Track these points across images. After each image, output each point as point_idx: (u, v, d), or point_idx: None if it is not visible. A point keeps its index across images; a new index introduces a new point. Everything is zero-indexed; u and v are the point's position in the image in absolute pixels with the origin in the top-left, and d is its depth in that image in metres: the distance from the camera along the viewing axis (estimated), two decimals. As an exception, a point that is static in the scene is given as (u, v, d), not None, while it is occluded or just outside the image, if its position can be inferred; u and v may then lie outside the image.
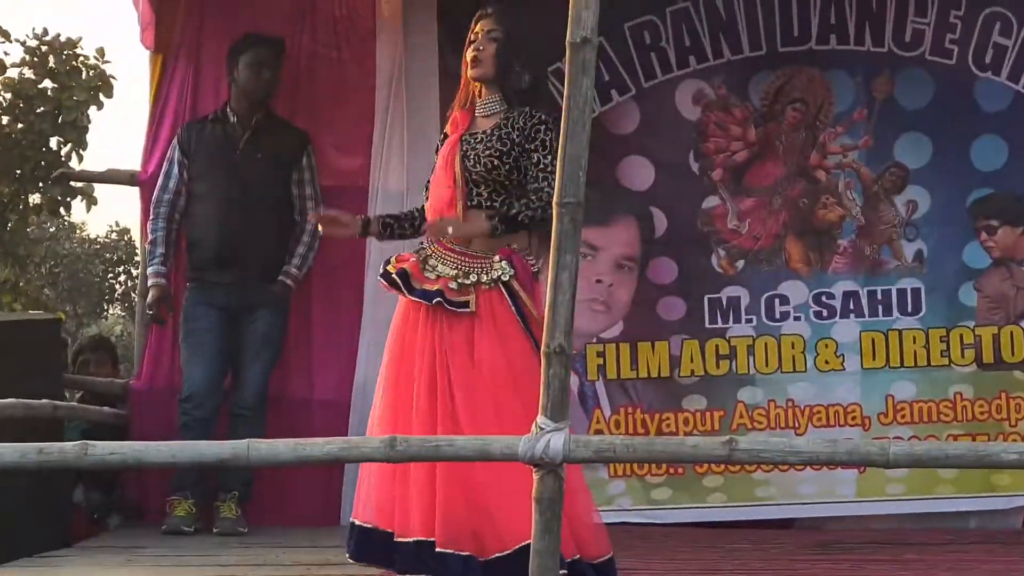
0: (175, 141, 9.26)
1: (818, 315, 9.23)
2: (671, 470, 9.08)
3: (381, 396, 6.78)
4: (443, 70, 9.28)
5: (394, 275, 6.66)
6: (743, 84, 9.36)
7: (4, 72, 18.41)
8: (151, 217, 9.20)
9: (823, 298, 9.24)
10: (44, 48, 18.61)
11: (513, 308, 6.61)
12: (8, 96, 18.32)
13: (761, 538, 8.56)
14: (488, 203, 6.68)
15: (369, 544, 6.66)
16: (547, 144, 6.70)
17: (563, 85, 5.67)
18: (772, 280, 9.27)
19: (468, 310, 6.56)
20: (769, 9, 9.31)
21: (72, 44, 18.72)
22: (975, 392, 9.07)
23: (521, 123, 6.65)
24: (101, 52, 18.43)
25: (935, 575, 7.19)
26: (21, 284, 19.53)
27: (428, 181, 6.95)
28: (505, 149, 6.66)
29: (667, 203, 9.33)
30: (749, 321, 9.26)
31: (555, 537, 5.71)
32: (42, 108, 18.23)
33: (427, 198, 6.90)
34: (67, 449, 6.24)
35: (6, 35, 18.45)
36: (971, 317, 9.15)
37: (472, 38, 6.95)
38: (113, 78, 18.17)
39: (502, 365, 6.56)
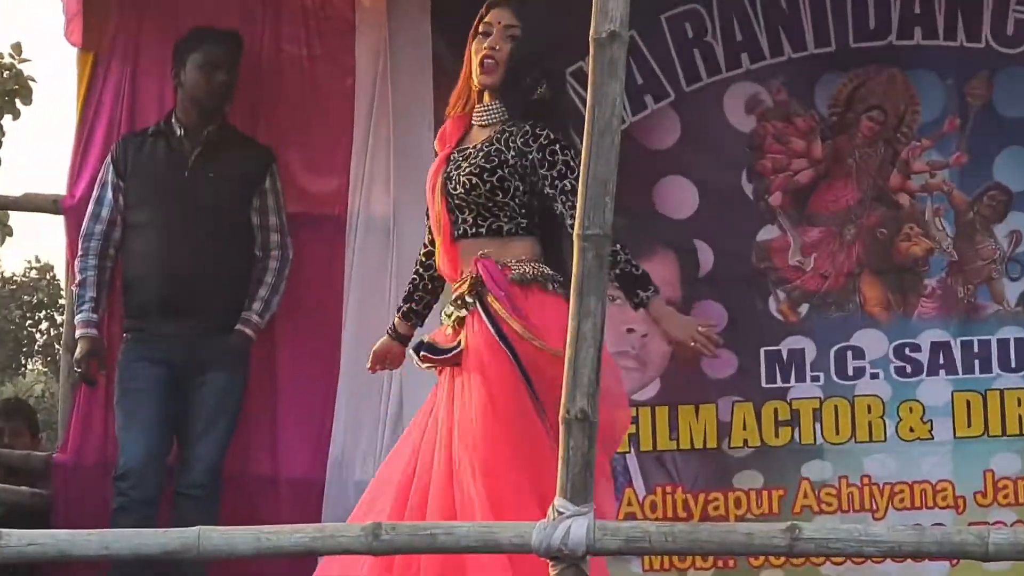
0: (108, 159, 9.19)
1: (900, 371, 9.14)
2: (719, 563, 9.05)
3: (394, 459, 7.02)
4: (439, 68, 9.26)
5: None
6: (808, 88, 9.31)
7: None
8: (79, 253, 9.12)
9: (907, 351, 9.16)
10: None
11: (491, 328, 6.77)
12: None
13: None
14: (473, 230, 6.86)
15: None
16: (571, 165, 6.75)
17: (585, 90, 5.71)
18: (844, 329, 9.21)
19: (457, 350, 6.80)
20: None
21: None
22: None
23: (520, 142, 6.76)
24: (17, 49, 18.53)
25: None
26: None
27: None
28: (489, 167, 6.80)
29: (714, 234, 9.31)
30: (815, 379, 9.20)
31: None
32: (-54, 113, 18.40)
33: (429, 230, 7.16)
34: (-30, 541, 6.30)
35: (-95, 30, 18.65)
36: None
37: (484, 30, 7.02)
38: (32, 80, 18.33)
39: (476, 409, 6.70)
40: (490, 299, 6.73)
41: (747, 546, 6.83)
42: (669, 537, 6.11)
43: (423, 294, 7.32)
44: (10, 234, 17.20)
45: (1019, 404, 9.05)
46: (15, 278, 33.31)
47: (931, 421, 9.05)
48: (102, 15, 9.50)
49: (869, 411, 9.11)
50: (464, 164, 6.86)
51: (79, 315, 9.11)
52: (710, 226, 9.28)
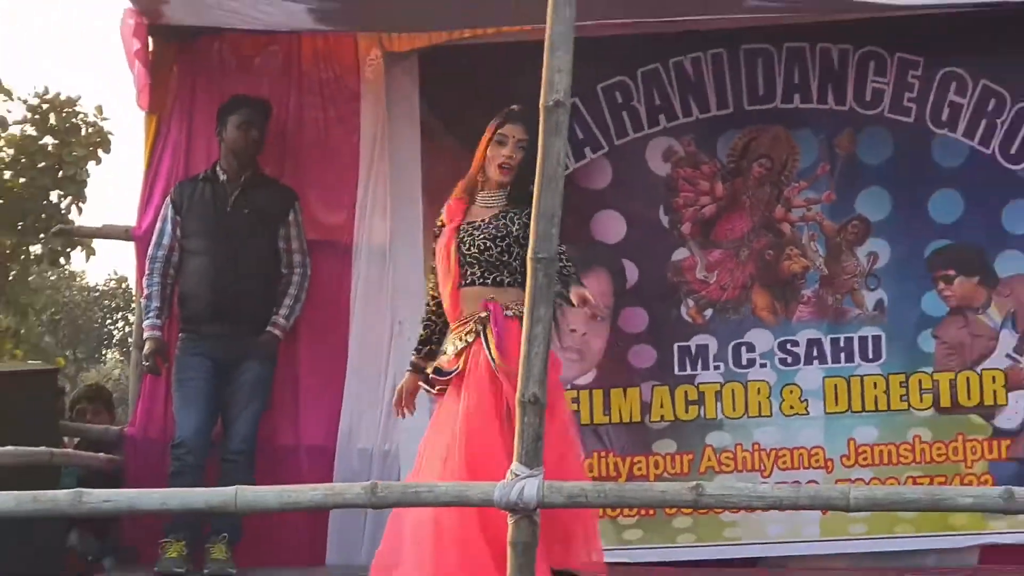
0: (168, 199, 9.19)
1: (783, 362, 9.13)
2: (642, 512, 8.95)
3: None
4: (425, 132, 9.28)
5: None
6: (711, 141, 9.28)
7: (7, 129, 18.51)
8: (146, 272, 9.11)
9: (788, 346, 9.14)
10: (45, 106, 18.71)
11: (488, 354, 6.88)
12: (11, 152, 18.36)
13: None
14: (481, 280, 6.98)
15: None
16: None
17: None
18: (739, 329, 9.18)
19: (456, 371, 6.93)
20: (735, 69, 9.25)
21: (72, 102, 18.78)
22: (933, 435, 8.95)
23: (522, 222, 6.81)
24: (99, 110, 18.64)
25: None
26: (22, 332, 19.54)
27: (433, 267, 7.25)
28: (500, 235, 6.93)
29: (638, 255, 9.24)
30: (717, 368, 9.15)
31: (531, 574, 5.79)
32: (43, 163, 18.38)
33: (434, 286, 7.21)
34: (61, 497, 6.42)
35: (8, 94, 18.56)
36: (929, 363, 9.03)
37: (500, 139, 7.11)
38: (111, 134, 18.37)
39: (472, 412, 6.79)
40: (489, 333, 6.87)
41: (662, 501, 6.86)
42: (602, 494, 6.19)
43: (439, 335, 7.29)
44: (93, 254, 17.45)
45: (875, 387, 9.00)
46: (97, 287, 33.28)
47: (807, 400, 9.02)
48: (164, 87, 9.48)
49: (758, 393, 9.06)
50: (476, 233, 7.01)
51: (146, 320, 9.09)
52: (635, 250, 9.22)
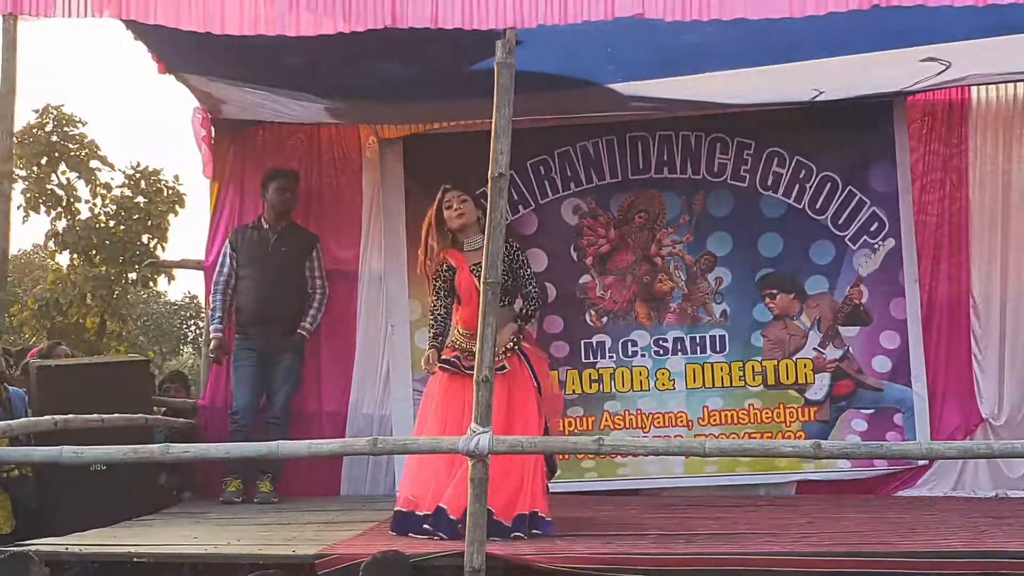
0: (227, 241, 9.39)
1: (657, 353, 9.33)
2: (560, 457, 8.54)
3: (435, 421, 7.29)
4: (407, 195, 9.40)
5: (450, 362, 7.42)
6: (606, 200, 9.45)
7: (111, 192, 18.85)
8: (212, 292, 9.34)
9: (660, 342, 9.35)
10: (137, 175, 19.01)
11: (527, 365, 7.46)
12: (114, 208, 18.76)
13: (621, 502, 8.77)
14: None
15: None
16: (525, 263, 7.68)
17: (487, 204, 6.20)
18: (626, 330, 9.38)
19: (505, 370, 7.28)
20: (623, 150, 9.39)
21: (156, 172, 19.06)
22: (763, 404, 9.22)
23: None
24: (176, 178, 19.03)
25: (736, 526, 7.40)
26: (124, 334, 19.61)
27: (444, 303, 7.64)
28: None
29: (556, 279, 9.41)
30: (611, 357, 9.36)
31: (483, 504, 6.07)
32: (136, 216, 18.69)
33: (457, 309, 7.62)
34: (154, 449, 6.91)
35: (111, 166, 18.83)
36: (759, 354, 9.25)
37: (447, 204, 7.56)
38: (185, 194, 18.82)
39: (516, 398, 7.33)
40: (526, 351, 7.51)
41: (575, 449, 7.55)
42: (534, 445, 6.78)
43: (444, 333, 7.62)
44: (173, 279, 17.91)
45: (721, 371, 9.27)
46: (176, 302, 32.94)
47: (674, 380, 9.29)
48: (223, 162, 9.71)
49: (640, 374, 9.33)
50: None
51: (212, 326, 9.35)
52: (553, 276, 9.39)
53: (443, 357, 7.49)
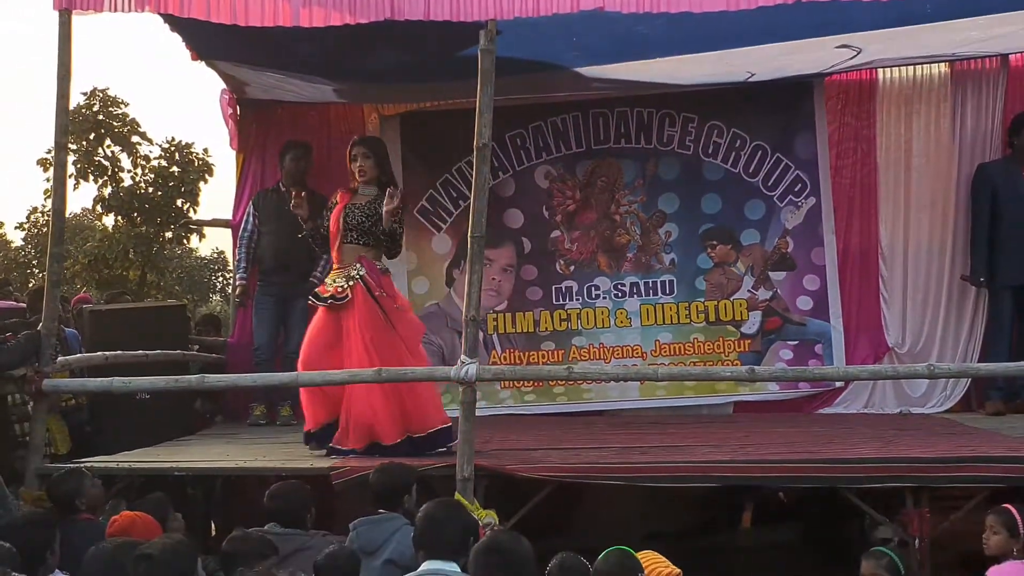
0: (251, 203, 9.32)
1: (616, 296, 9.34)
2: (536, 384, 9.17)
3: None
4: (404, 161, 9.29)
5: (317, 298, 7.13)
6: (572, 167, 9.44)
7: (150, 162, 18.82)
8: (237, 246, 9.28)
9: (619, 286, 9.35)
10: (172, 148, 19.04)
11: (367, 292, 6.94)
12: (152, 176, 18.74)
13: (587, 422, 8.76)
14: (357, 242, 7.07)
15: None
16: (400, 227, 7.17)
17: (470, 171, 6.31)
18: (590, 277, 9.37)
19: (347, 299, 6.95)
20: (587, 124, 9.37)
21: (188, 146, 19.13)
22: (706, 337, 9.24)
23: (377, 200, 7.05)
24: (206, 150, 19.33)
25: (684, 440, 7.41)
26: (162, 284, 19.73)
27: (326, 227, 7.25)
28: (371, 213, 7.06)
29: (530, 235, 9.44)
30: (577, 300, 9.35)
31: (471, 424, 6.15)
32: (172, 183, 18.71)
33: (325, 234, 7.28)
34: (192, 380, 6.96)
35: (150, 140, 18.88)
36: (703, 296, 9.27)
37: (352, 158, 7.25)
38: (213, 164, 18.86)
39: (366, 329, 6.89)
40: (367, 277, 6.96)
41: (548, 376, 7.54)
42: (514, 372, 6.96)
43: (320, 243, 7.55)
44: (204, 237, 17.67)
45: (671, 310, 9.26)
46: (206, 257, 33.07)
47: (631, 319, 9.29)
48: (246, 135, 9.63)
49: (602, 314, 9.32)
50: (356, 211, 7.11)
51: (238, 275, 9.28)
52: (528, 230, 9.44)
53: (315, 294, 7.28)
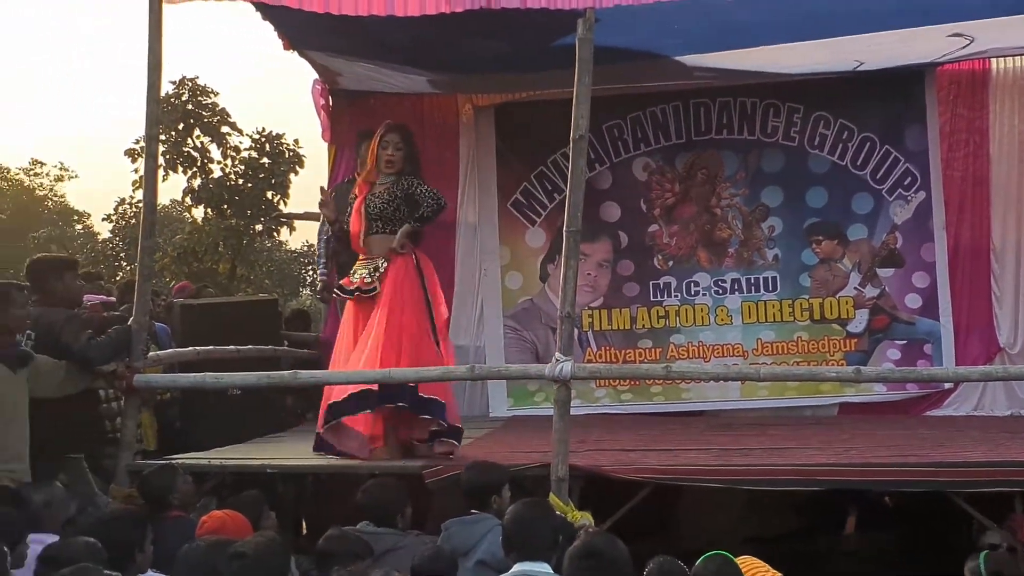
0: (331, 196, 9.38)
1: (716, 292, 9.38)
2: (632, 383, 9.21)
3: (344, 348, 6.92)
4: (498, 155, 9.46)
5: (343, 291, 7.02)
6: (671, 159, 9.49)
7: (239, 153, 19.06)
8: (318, 242, 9.42)
9: (719, 282, 9.39)
10: (263, 139, 19.24)
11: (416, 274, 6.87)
12: (242, 168, 18.99)
13: (684, 422, 8.76)
14: (383, 230, 6.87)
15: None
16: (420, 186, 6.92)
17: (566, 164, 6.26)
18: (689, 272, 9.42)
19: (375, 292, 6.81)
20: (687, 114, 9.44)
21: (279, 137, 19.31)
22: (809, 336, 9.24)
23: (404, 184, 6.85)
24: (297, 142, 19.24)
25: (786, 442, 7.40)
26: (251, 278, 19.99)
27: (348, 219, 7.06)
28: (392, 199, 6.85)
29: (628, 228, 9.50)
30: (676, 296, 9.39)
31: (565, 423, 6.11)
32: (262, 175, 18.93)
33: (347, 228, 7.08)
34: (285, 375, 7.01)
35: (240, 131, 19.10)
36: (807, 293, 9.28)
37: (383, 144, 6.94)
38: (304, 156, 19.03)
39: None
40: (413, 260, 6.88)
41: (646, 374, 7.48)
42: (610, 371, 6.91)
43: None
44: (294, 230, 18.05)
45: (773, 308, 9.30)
46: (296, 250, 33.47)
47: (731, 316, 9.33)
48: (339, 128, 9.70)
49: (702, 311, 9.37)
50: (376, 200, 6.89)
51: (319, 269, 9.41)
52: (625, 225, 9.49)
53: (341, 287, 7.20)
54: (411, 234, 6.93)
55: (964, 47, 8.41)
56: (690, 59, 8.41)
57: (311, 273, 33.29)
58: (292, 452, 7.42)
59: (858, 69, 8.86)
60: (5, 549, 4.41)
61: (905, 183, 9.23)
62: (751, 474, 6.38)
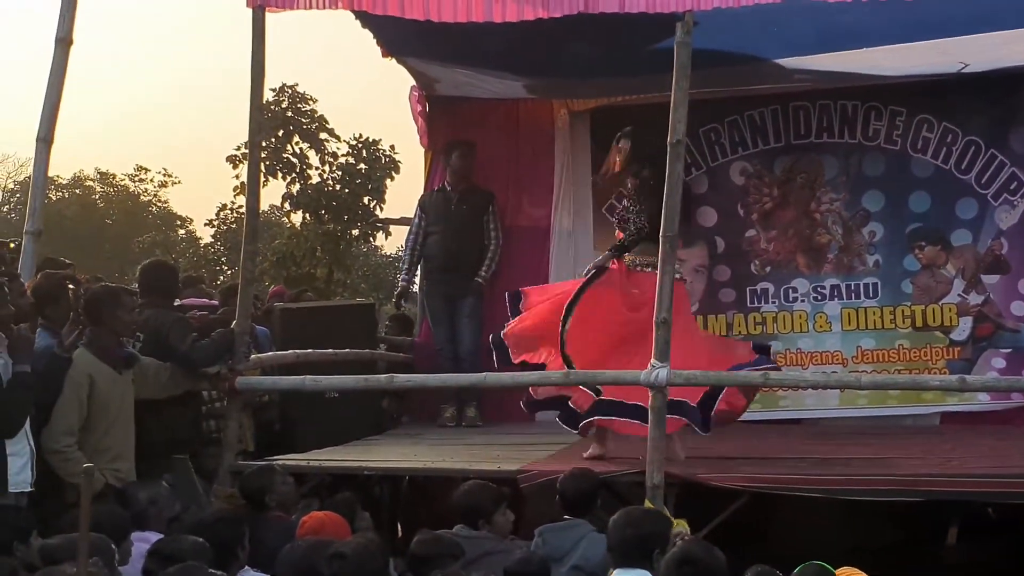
0: (418, 204, 9.53)
1: (815, 299, 9.27)
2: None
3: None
4: (594, 158, 9.35)
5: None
6: (770, 163, 9.43)
7: (337, 159, 19.34)
8: (404, 248, 9.62)
9: (818, 289, 9.29)
10: (360, 145, 19.51)
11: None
12: (339, 174, 19.26)
13: (781, 430, 8.71)
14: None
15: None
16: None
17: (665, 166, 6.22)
18: (787, 278, 9.34)
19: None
20: (785, 118, 9.35)
21: (375, 143, 19.57)
22: (911, 344, 9.11)
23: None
24: (393, 148, 19.51)
25: (885, 451, 7.39)
26: (348, 282, 20.25)
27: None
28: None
29: (724, 233, 9.44)
30: (773, 303, 9.33)
31: (663, 428, 6.17)
32: (359, 180, 19.21)
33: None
34: (380, 379, 7.15)
35: (337, 137, 19.42)
36: (909, 300, 9.15)
37: (623, 166, 7.20)
38: (400, 162, 19.31)
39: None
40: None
41: (743, 382, 7.35)
42: (706, 377, 6.68)
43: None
44: (390, 234, 18.49)
45: (874, 315, 9.17)
46: (392, 254, 33.79)
47: (831, 323, 9.21)
48: (436, 133, 9.80)
49: (800, 318, 9.28)
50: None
51: (400, 276, 9.69)
52: (722, 230, 9.44)
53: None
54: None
55: (1071, 48, 8.26)
56: (790, 62, 8.37)
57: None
58: (388, 455, 7.52)
59: (962, 71, 8.74)
60: (113, 545, 4.55)
61: (1011, 188, 9.06)
62: (851, 484, 6.34)
